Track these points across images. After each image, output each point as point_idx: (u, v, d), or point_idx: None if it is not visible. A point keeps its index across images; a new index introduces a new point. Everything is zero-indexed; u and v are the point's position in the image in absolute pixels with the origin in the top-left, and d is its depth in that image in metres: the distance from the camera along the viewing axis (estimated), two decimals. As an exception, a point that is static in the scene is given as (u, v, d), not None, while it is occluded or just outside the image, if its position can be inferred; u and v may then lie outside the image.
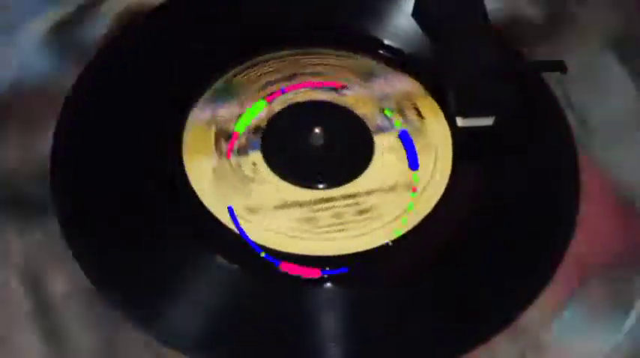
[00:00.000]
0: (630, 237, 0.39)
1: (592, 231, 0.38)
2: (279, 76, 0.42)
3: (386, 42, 0.43)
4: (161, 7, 0.44)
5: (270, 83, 0.42)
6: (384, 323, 0.36)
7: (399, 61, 0.43)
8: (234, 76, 0.42)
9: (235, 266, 0.37)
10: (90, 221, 0.38)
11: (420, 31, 0.43)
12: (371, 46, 0.43)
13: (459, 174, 0.39)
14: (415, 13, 0.42)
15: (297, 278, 0.37)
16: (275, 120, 0.41)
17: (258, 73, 0.42)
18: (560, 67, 0.40)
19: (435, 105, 0.41)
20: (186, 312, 0.36)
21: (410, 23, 0.43)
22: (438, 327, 0.36)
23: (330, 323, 0.36)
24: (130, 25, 0.43)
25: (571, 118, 0.42)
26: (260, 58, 0.42)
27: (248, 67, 0.42)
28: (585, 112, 0.42)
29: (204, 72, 0.42)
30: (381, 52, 0.43)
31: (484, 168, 0.40)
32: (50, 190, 0.38)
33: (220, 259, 0.37)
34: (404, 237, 0.38)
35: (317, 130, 0.40)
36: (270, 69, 0.42)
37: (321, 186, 0.39)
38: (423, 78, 0.42)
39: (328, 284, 0.37)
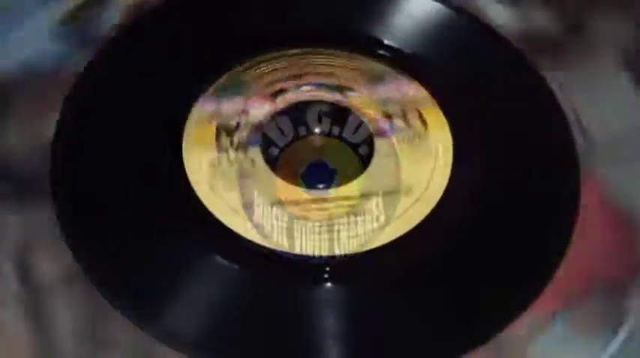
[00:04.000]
0: (625, 256, 0.38)
1: (585, 246, 0.38)
2: (285, 74, 0.42)
3: (386, 42, 0.43)
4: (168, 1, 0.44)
5: (276, 81, 0.42)
6: (384, 323, 0.36)
7: (399, 60, 0.43)
8: (240, 71, 0.42)
9: (235, 266, 0.37)
10: (90, 220, 0.38)
11: (420, 31, 0.43)
12: (371, 46, 0.43)
13: (457, 180, 0.39)
14: None
15: (297, 278, 0.37)
16: (277, 117, 0.41)
17: (264, 70, 0.42)
18: None
19: (440, 114, 0.41)
20: (185, 312, 0.36)
21: (410, 23, 0.44)
22: (437, 328, 0.36)
23: (330, 323, 0.36)
24: (136, 18, 0.43)
25: (577, 133, 0.41)
26: (267, 56, 0.42)
27: (254, 64, 0.42)
28: (591, 126, 0.41)
29: (209, 67, 0.42)
30: (381, 52, 0.43)
31: (483, 175, 0.40)
32: (50, 190, 0.38)
33: (220, 259, 0.37)
34: (400, 240, 0.38)
35: (317, 130, 0.40)
36: (277, 67, 0.42)
37: (320, 186, 0.39)
38: (423, 78, 0.42)
39: (328, 285, 0.37)
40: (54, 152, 0.39)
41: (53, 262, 0.36)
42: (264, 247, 0.37)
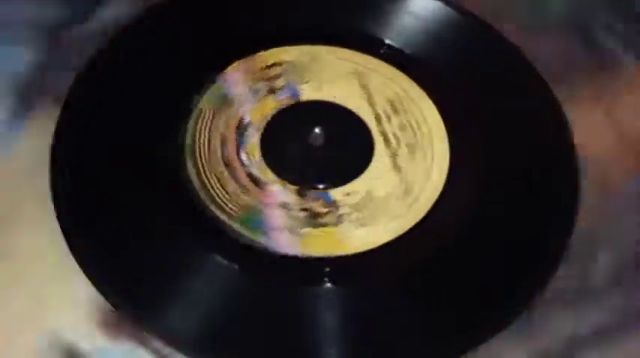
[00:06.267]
0: None
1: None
2: (297, 71, 0.42)
3: (386, 42, 0.43)
4: None
5: (286, 77, 0.42)
6: (384, 323, 0.36)
7: (399, 61, 0.43)
8: (256, 65, 0.42)
9: (235, 266, 0.37)
10: (90, 220, 0.38)
11: (420, 30, 0.43)
12: (371, 46, 0.43)
13: (456, 181, 0.39)
14: None
15: (297, 278, 0.37)
16: (282, 114, 0.41)
17: (276, 66, 0.42)
18: None
19: (438, 116, 0.41)
20: (185, 312, 0.36)
21: (411, 23, 0.44)
22: (437, 328, 0.36)
23: (330, 323, 0.36)
24: (137, 17, 0.43)
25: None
26: (277, 49, 0.43)
27: (267, 58, 0.42)
28: None
29: (210, 67, 0.42)
30: (381, 51, 0.43)
31: (482, 175, 0.40)
32: (50, 191, 0.38)
33: (220, 259, 0.37)
34: (399, 240, 0.38)
35: (317, 130, 0.40)
36: (288, 63, 0.42)
37: (320, 186, 0.39)
38: (423, 78, 0.42)
39: (328, 285, 0.37)
40: (54, 152, 0.39)
41: None
42: (264, 247, 0.37)
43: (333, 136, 0.40)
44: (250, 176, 0.39)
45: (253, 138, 0.40)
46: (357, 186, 0.39)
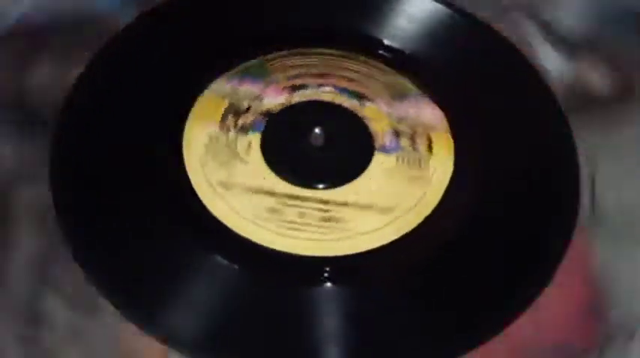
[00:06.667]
0: (589, 325, 0.37)
1: (550, 308, 0.37)
2: (310, 71, 0.42)
3: (386, 42, 0.43)
4: None
5: (299, 76, 0.42)
6: (384, 323, 0.36)
7: (399, 61, 0.43)
8: (269, 59, 0.42)
9: (235, 266, 0.37)
10: (90, 220, 0.38)
11: (420, 31, 0.43)
12: (371, 46, 0.43)
13: (457, 182, 0.39)
14: None
15: (297, 278, 0.37)
16: (287, 110, 0.41)
17: (291, 63, 0.42)
18: None
19: (450, 142, 0.41)
20: (185, 312, 0.36)
21: (411, 23, 0.44)
22: (437, 328, 0.36)
23: (330, 323, 0.36)
24: (138, 16, 0.43)
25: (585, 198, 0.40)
26: (294, 50, 0.42)
27: (282, 56, 0.42)
28: (604, 194, 0.40)
29: (210, 66, 0.42)
30: (381, 52, 0.43)
31: (483, 175, 0.40)
32: (50, 191, 0.38)
33: (220, 259, 0.37)
34: (400, 240, 0.38)
35: (317, 130, 0.40)
36: (302, 62, 0.42)
37: (320, 186, 0.39)
38: (423, 78, 0.42)
39: (328, 285, 0.37)
40: (54, 151, 0.39)
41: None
42: (264, 247, 0.37)
43: (333, 141, 0.40)
44: (244, 167, 0.39)
45: (255, 131, 0.40)
46: (348, 190, 0.39)
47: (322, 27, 0.44)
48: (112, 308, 0.35)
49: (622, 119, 0.42)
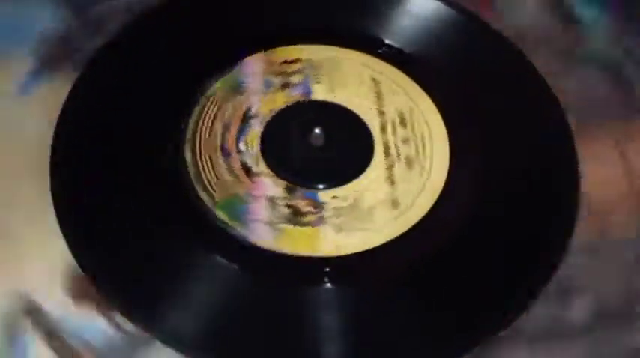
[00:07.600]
0: None
1: None
2: (317, 70, 0.42)
3: (386, 42, 0.43)
4: None
5: (304, 74, 0.42)
6: (384, 323, 0.36)
7: (399, 61, 0.43)
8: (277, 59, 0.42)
9: (235, 266, 0.37)
10: (90, 220, 0.38)
11: (420, 30, 0.43)
12: (371, 46, 0.43)
13: (456, 181, 0.39)
14: None
15: (297, 278, 0.37)
16: (291, 108, 0.41)
17: (297, 63, 0.42)
18: None
19: (450, 142, 0.41)
20: (185, 312, 0.36)
21: (411, 23, 0.44)
22: (437, 328, 0.36)
23: (330, 323, 0.36)
24: (138, 16, 0.43)
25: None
26: (300, 46, 0.43)
27: (290, 52, 0.43)
28: None
29: (210, 66, 0.42)
30: (381, 51, 0.43)
31: (482, 175, 0.40)
32: (50, 191, 0.38)
33: (220, 259, 0.37)
34: (399, 240, 0.38)
35: (317, 130, 0.40)
36: (309, 61, 0.42)
37: (320, 186, 0.39)
38: (422, 78, 0.42)
39: (328, 285, 0.37)
40: (54, 151, 0.39)
41: None
42: (238, 235, 0.37)
43: (332, 142, 0.40)
44: (243, 165, 0.39)
45: (255, 129, 0.40)
46: (347, 191, 0.39)
47: (322, 26, 0.44)
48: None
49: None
